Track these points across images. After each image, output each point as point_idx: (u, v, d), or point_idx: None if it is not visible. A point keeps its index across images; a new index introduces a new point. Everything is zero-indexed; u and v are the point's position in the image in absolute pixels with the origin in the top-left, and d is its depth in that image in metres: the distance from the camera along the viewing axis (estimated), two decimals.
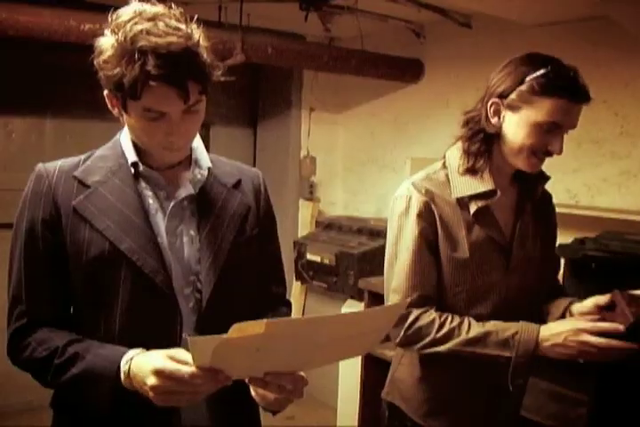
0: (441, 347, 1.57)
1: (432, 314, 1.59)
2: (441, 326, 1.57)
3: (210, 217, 1.39)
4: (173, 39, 1.18)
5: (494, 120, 1.60)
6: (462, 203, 1.64)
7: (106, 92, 1.27)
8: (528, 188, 1.73)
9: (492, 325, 1.57)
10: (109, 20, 1.23)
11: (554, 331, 1.51)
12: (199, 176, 1.41)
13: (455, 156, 1.69)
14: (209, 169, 1.42)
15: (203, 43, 1.25)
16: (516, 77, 1.55)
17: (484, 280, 1.64)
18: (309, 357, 1.18)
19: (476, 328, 1.56)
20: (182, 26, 1.22)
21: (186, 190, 1.38)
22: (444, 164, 1.71)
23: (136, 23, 1.18)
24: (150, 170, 1.36)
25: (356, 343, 1.23)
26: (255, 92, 4.77)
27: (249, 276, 1.46)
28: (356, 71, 3.73)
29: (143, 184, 1.36)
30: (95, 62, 1.24)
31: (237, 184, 1.47)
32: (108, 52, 1.20)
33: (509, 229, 1.69)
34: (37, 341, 1.28)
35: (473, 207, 1.63)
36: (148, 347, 1.21)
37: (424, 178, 1.68)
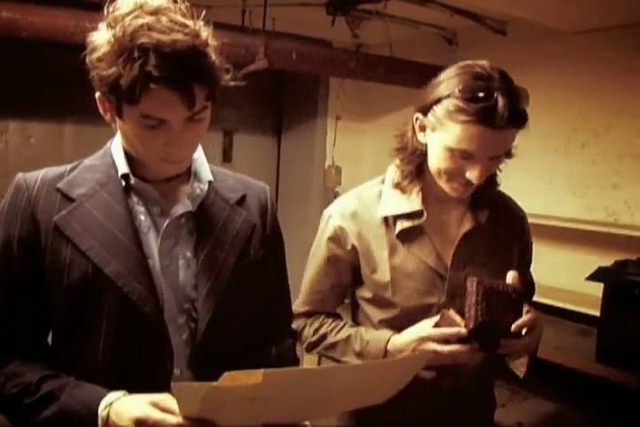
0: (313, 350, 1.64)
1: (318, 319, 1.64)
2: (316, 330, 1.63)
3: (209, 237, 1.26)
4: (179, 36, 1.05)
5: (420, 136, 1.48)
6: (388, 222, 1.54)
7: (98, 94, 1.13)
8: (479, 203, 1.58)
9: (356, 331, 1.56)
10: (105, 12, 1.09)
11: (402, 341, 1.47)
12: (198, 191, 1.28)
13: (392, 171, 1.60)
14: (210, 183, 1.29)
15: (211, 42, 1.11)
16: (436, 93, 1.41)
17: (416, 303, 1.52)
18: (316, 407, 1.04)
19: (341, 334, 1.59)
20: (189, 22, 1.09)
21: (183, 206, 1.24)
22: (383, 178, 1.62)
23: (136, 17, 1.05)
24: (143, 183, 1.22)
25: (373, 393, 1.09)
26: (280, 99, 4.67)
27: (251, 303, 1.32)
28: (384, 79, 3.58)
29: (134, 199, 1.23)
30: (87, 60, 1.10)
31: (241, 200, 1.34)
32: (103, 49, 1.06)
33: (451, 250, 1.55)
34: (7, 375, 1.14)
35: (398, 228, 1.53)
36: (133, 384, 1.09)
37: (357, 194, 1.62)
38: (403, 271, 1.53)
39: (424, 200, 1.52)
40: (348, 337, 1.56)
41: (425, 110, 1.43)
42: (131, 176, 1.21)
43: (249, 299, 1.31)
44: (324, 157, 4.39)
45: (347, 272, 1.59)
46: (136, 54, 1.02)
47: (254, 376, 0.85)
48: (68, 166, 1.25)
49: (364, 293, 1.59)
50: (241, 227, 1.31)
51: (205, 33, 1.11)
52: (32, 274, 1.17)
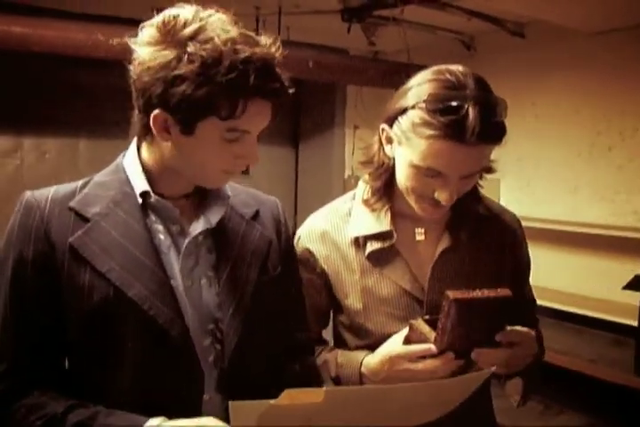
0: None
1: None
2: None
3: (230, 255, 1.20)
4: (263, 49, 1.05)
5: (387, 149, 1.34)
6: (359, 243, 1.42)
7: (157, 112, 1.06)
8: (459, 220, 1.43)
9: (331, 356, 1.44)
10: (159, 29, 1.05)
11: (374, 362, 1.34)
12: (217, 207, 1.22)
13: (362, 186, 1.47)
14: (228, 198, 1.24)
15: (278, 55, 1.10)
16: (401, 102, 1.27)
17: (392, 330, 1.37)
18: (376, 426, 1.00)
19: (318, 360, 1.44)
20: (255, 35, 1.09)
21: (202, 224, 1.19)
22: (354, 194, 1.49)
23: (220, 32, 1.04)
24: (163, 200, 1.16)
25: (427, 411, 1.06)
26: (296, 108, 4.62)
27: (273, 322, 1.26)
28: None
29: (152, 217, 1.17)
30: (152, 79, 1.04)
31: (256, 215, 1.29)
32: (184, 68, 1.01)
33: (428, 271, 1.40)
34: (28, 406, 1.07)
35: (368, 249, 1.40)
36: (163, 411, 1.04)
37: (327, 211, 1.49)
38: (376, 296, 1.40)
39: (397, 217, 1.41)
40: (324, 362, 1.44)
41: (391, 121, 1.29)
42: (151, 194, 1.15)
43: (271, 317, 1.25)
44: (342, 168, 4.33)
45: (322, 295, 1.47)
46: (239, 67, 1.00)
47: (315, 395, 0.85)
48: (79, 183, 1.19)
49: (342, 318, 1.47)
50: (258, 243, 1.25)
51: (274, 45, 1.09)
52: (48, 298, 1.10)
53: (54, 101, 3.61)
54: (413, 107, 1.22)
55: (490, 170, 1.36)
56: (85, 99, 3.71)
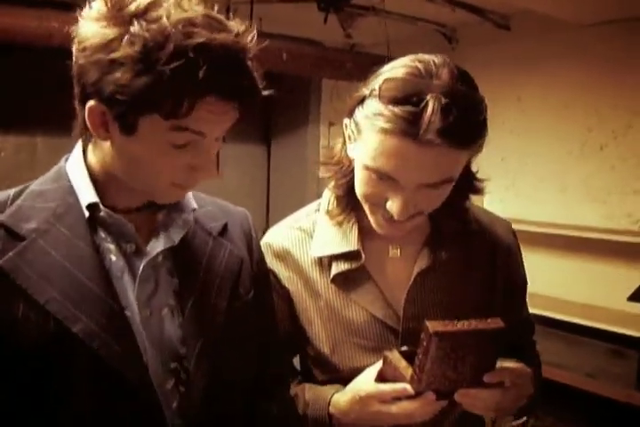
0: None
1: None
2: None
3: (195, 278, 1.02)
4: (229, 37, 0.87)
5: (349, 148, 1.15)
6: (324, 263, 1.23)
7: (92, 103, 0.88)
8: (439, 236, 1.23)
9: (299, 391, 1.25)
10: (106, 4, 0.87)
11: (344, 401, 1.15)
12: (180, 222, 1.03)
13: (326, 195, 1.28)
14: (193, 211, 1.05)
15: (252, 46, 0.91)
16: (362, 90, 1.08)
17: (361, 364, 1.19)
18: None
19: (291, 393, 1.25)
20: (223, 19, 0.90)
21: (162, 242, 1.00)
22: (319, 204, 1.30)
23: (174, 9, 0.86)
24: (115, 215, 0.96)
25: None
26: (269, 104, 4.40)
27: (246, 356, 1.09)
28: None
29: (102, 234, 0.97)
30: (87, 62, 0.86)
31: (224, 230, 1.11)
32: (122, 50, 0.83)
33: (402, 296, 1.21)
34: None
35: (333, 271, 1.21)
36: None
37: (290, 224, 1.29)
38: (343, 325, 1.22)
39: (366, 235, 1.21)
40: (294, 397, 1.25)
41: (351, 114, 1.10)
42: (100, 206, 0.95)
43: (243, 350, 1.07)
44: (317, 167, 4.11)
45: (286, 320, 1.27)
46: (189, 55, 0.82)
47: None
48: (11, 192, 0.98)
49: (308, 348, 1.27)
50: (227, 263, 1.07)
51: (247, 34, 0.90)
52: None
53: (7, 96, 3.33)
54: (370, 95, 1.03)
55: (473, 187, 1.16)
56: (42, 93, 3.39)
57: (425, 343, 1.00)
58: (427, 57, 1.05)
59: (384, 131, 0.99)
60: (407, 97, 0.97)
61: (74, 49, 0.89)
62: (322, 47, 3.57)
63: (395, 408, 1.07)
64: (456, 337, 1.00)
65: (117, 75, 0.83)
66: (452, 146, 0.99)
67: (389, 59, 3.04)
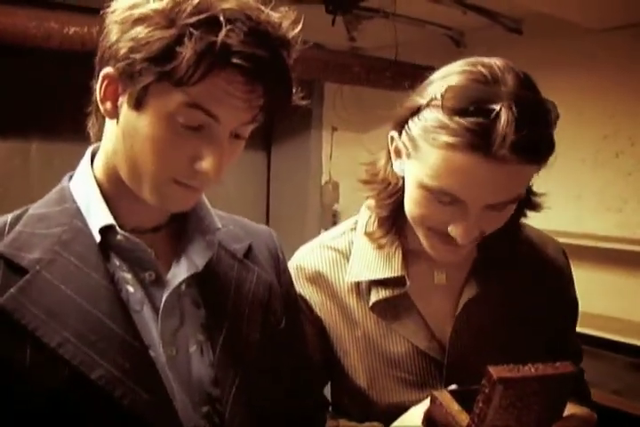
0: None
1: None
2: None
3: (224, 308, 0.91)
4: (269, 18, 0.79)
5: (396, 165, 1.03)
6: (362, 288, 1.12)
7: (106, 70, 0.79)
8: (489, 260, 1.12)
9: (332, 424, 1.14)
10: None
11: None
12: (204, 243, 0.91)
13: (365, 215, 1.17)
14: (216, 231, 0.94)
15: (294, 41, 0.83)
16: (416, 101, 0.96)
17: (401, 399, 1.10)
18: None
19: None
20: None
21: (184, 267, 0.89)
22: (356, 222, 1.19)
23: None
24: (132, 237, 0.85)
25: None
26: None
27: (282, 391, 0.98)
28: (392, 85, 3.23)
29: (115, 261, 0.86)
30: (112, 22, 0.79)
31: (248, 252, 1.00)
32: (149, 6, 0.76)
33: (449, 326, 1.10)
34: None
35: (373, 298, 1.11)
36: None
37: (322, 245, 1.18)
38: (383, 357, 1.12)
39: (410, 256, 1.11)
40: None
41: (400, 127, 0.99)
42: (117, 228, 0.84)
43: (279, 387, 0.96)
44: (319, 173, 4.09)
45: (317, 351, 1.16)
46: (215, 15, 0.74)
47: None
48: (8, 217, 0.87)
49: (341, 380, 1.17)
50: (256, 289, 0.97)
51: (290, 27, 0.82)
52: None
53: (1, 98, 3.21)
54: (428, 105, 0.92)
55: (531, 204, 1.06)
56: (38, 96, 3.34)
57: (487, 391, 0.88)
58: (487, 60, 0.94)
59: (449, 146, 0.88)
60: (475, 107, 0.87)
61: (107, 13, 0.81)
62: (327, 50, 3.47)
63: None
64: (522, 384, 0.88)
65: (137, 30, 0.75)
66: (525, 162, 0.88)
67: (397, 62, 2.91)
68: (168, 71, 0.74)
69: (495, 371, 0.87)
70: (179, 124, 0.78)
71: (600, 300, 2.85)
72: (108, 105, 0.81)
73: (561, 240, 2.82)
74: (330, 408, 1.22)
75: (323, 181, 4.08)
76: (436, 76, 0.98)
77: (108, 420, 0.78)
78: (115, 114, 0.81)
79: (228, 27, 0.73)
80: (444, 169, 0.90)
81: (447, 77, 0.94)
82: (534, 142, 0.87)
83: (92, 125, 0.90)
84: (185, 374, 0.86)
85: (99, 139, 0.89)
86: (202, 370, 0.87)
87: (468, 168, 0.88)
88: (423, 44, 3.58)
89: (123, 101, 0.80)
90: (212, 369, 0.87)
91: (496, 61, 0.94)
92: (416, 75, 3.30)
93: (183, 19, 0.74)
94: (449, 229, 0.95)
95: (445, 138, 0.88)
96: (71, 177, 0.91)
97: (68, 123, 3.31)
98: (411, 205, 1.00)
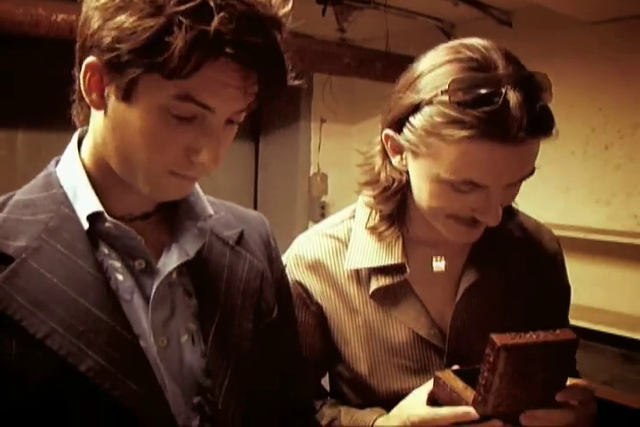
0: None
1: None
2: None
3: (216, 297, 0.89)
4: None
5: (396, 161, 1.04)
6: (361, 276, 1.13)
7: (90, 59, 0.75)
8: (486, 245, 1.13)
9: (333, 418, 1.14)
10: None
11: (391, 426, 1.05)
12: (195, 230, 0.89)
13: (362, 210, 1.18)
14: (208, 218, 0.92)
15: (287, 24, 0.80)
16: (411, 97, 0.96)
17: (402, 387, 1.10)
18: None
19: (326, 418, 1.15)
20: None
21: (175, 255, 0.86)
22: (354, 211, 1.20)
23: None
24: (122, 225, 0.82)
25: None
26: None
27: (274, 383, 0.96)
28: (382, 76, 3.21)
29: (104, 249, 0.83)
30: (91, 8, 0.75)
31: (240, 239, 0.97)
32: None
33: (449, 312, 1.12)
34: None
35: (373, 285, 1.12)
36: None
37: (321, 233, 1.19)
38: (383, 344, 1.12)
39: (409, 246, 1.12)
40: (328, 423, 1.14)
41: (397, 124, 0.99)
42: (106, 216, 0.81)
43: (272, 378, 0.95)
44: (308, 164, 4.02)
45: (318, 341, 1.17)
46: (211, 5, 0.70)
47: None
48: None
49: (341, 368, 1.18)
50: (249, 277, 0.94)
51: (281, 6, 0.78)
52: None
53: None
54: (430, 102, 0.93)
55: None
56: (23, 85, 3.28)
57: (491, 359, 0.90)
58: (469, 42, 0.96)
59: (465, 139, 0.89)
60: (482, 96, 0.88)
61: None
62: (318, 40, 3.45)
63: None
64: (526, 350, 0.90)
65: (121, 18, 0.71)
66: (538, 137, 0.92)
67: (388, 53, 2.91)
68: (158, 63, 0.71)
69: (498, 338, 0.89)
70: (171, 116, 0.75)
71: (588, 292, 2.87)
72: (94, 96, 0.78)
73: None
74: (328, 399, 1.22)
75: (311, 173, 4.04)
76: (422, 67, 0.98)
77: (98, 412, 0.76)
78: (102, 105, 0.78)
79: (221, 14, 0.70)
80: (463, 162, 0.91)
81: (437, 69, 0.94)
82: (542, 117, 0.91)
83: (76, 114, 0.87)
84: (176, 364, 0.84)
85: (84, 126, 0.87)
86: (193, 360, 0.85)
87: (488, 156, 0.90)
88: (414, 36, 3.55)
89: (109, 92, 0.77)
90: (203, 359, 0.86)
91: (478, 41, 0.96)
92: (406, 66, 3.30)
93: (172, 6, 0.70)
94: (476, 215, 0.98)
95: (461, 132, 0.89)
96: (57, 162, 0.89)
97: (55, 113, 3.28)
98: (427, 199, 1.00)
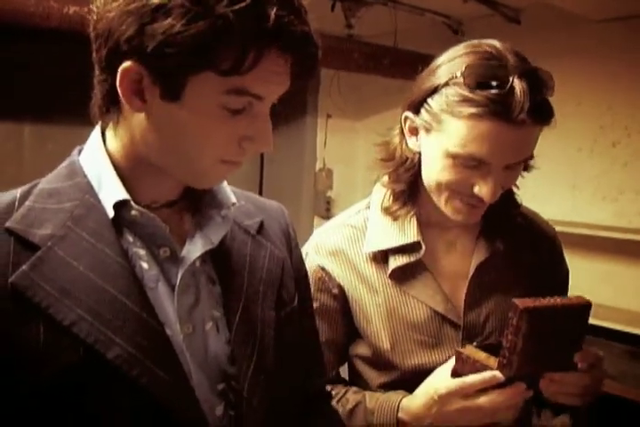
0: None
1: (335, 389, 1.24)
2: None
3: (240, 285, 0.90)
4: None
5: (411, 142, 1.16)
6: (379, 258, 1.22)
7: (127, 64, 0.74)
8: (494, 228, 1.24)
9: (358, 401, 1.20)
10: None
11: (416, 405, 1.11)
12: (219, 219, 0.89)
13: (379, 192, 1.27)
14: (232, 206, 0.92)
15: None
16: (431, 82, 1.09)
17: (421, 361, 1.18)
18: None
19: (350, 402, 1.21)
20: None
21: (199, 243, 0.86)
22: (369, 202, 1.30)
23: None
24: (148, 213, 0.82)
25: None
26: None
27: (295, 370, 0.98)
28: (389, 72, 3.22)
29: (129, 237, 0.83)
30: (121, 12, 0.72)
31: (260, 228, 0.98)
32: None
33: (463, 289, 1.20)
34: None
35: (391, 265, 1.20)
36: None
37: (338, 223, 1.28)
38: (402, 320, 1.19)
39: (422, 227, 1.21)
40: (352, 411, 1.19)
41: (416, 107, 1.12)
42: (132, 204, 0.81)
43: (292, 365, 0.96)
44: (314, 159, 4.03)
45: (338, 323, 1.24)
46: (262, 2, 0.71)
47: None
48: (17, 192, 0.84)
49: (362, 349, 1.25)
50: (270, 266, 0.95)
51: None
52: None
53: None
54: (447, 84, 1.06)
55: (529, 164, 1.18)
56: (33, 76, 3.23)
57: (515, 322, 0.97)
58: (485, 41, 1.11)
59: (473, 116, 1.01)
60: (493, 80, 1.01)
61: (97, 3, 0.76)
62: (326, 36, 3.45)
63: (483, 400, 1.03)
64: (546, 312, 0.98)
65: (165, 22, 0.69)
66: (538, 123, 1.04)
67: (396, 50, 2.98)
68: (213, 63, 0.71)
69: (521, 302, 0.97)
70: (224, 110, 0.76)
71: (595, 288, 2.87)
72: (134, 100, 0.76)
73: (556, 229, 2.88)
74: (348, 386, 1.26)
75: (317, 168, 4.04)
76: (442, 59, 1.11)
77: (125, 399, 0.76)
78: (144, 108, 0.77)
79: (274, 9, 0.71)
80: (471, 136, 1.03)
81: (456, 59, 1.07)
82: (543, 106, 1.04)
83: (98, 110, 0.85)
84: (201, 351, 0.84)
85: (102, 120, 0.86)
86: (218, 348, 0.86)
87: (492, 133, 1.02)
88: (421, 32, 3.56)
89: (152, 94, 0.76)
90: (228, 347, 0.86)
91: (494, 42, 1.10)
92: (414, 62, 3.31)
93: (223, 6, 0.69)
94: (475, 190, 1.08)
95: (470, 109, 1.02)
96: (80, 151, 0.88)
97: (62, 106, 3.29)
98: (436, 174, 1.11)
